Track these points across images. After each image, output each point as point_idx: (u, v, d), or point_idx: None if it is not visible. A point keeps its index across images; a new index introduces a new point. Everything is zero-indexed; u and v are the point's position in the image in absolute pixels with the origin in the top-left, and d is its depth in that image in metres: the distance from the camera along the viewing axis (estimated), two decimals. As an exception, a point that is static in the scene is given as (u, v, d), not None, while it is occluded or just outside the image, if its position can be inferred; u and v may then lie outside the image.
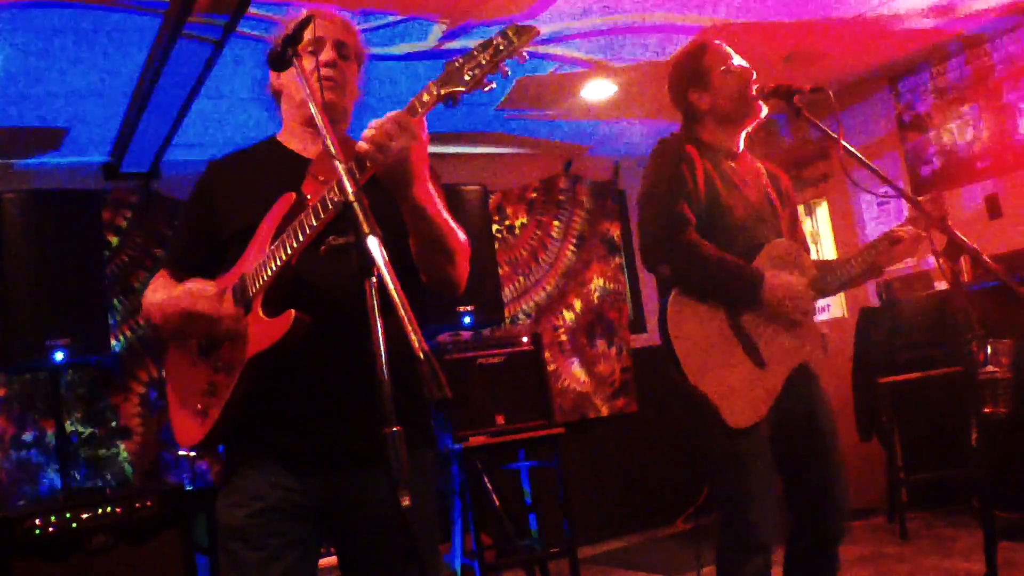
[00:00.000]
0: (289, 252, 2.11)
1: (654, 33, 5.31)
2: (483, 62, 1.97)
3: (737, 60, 3.32)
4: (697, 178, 3.15)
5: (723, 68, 3.29)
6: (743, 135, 3.35)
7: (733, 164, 3.31)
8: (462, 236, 2.33)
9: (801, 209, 3.46)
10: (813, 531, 3.20)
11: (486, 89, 2.01)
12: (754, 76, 3.27)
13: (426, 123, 2.09)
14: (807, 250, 3.38)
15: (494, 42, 1.97)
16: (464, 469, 5.41)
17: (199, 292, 2.23)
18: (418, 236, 2.24)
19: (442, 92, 2.00)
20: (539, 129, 6.83)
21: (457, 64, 1.99)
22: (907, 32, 5.83)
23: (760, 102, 3.25)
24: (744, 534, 3.07)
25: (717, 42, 3.36)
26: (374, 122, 2.05)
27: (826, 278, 3.24)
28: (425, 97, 2.03)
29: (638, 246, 3.22)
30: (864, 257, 3.28)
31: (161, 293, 2.37)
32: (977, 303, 5.09)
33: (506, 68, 1.98)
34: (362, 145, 2.04)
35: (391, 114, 2.05)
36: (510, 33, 1.97)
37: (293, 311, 2.10)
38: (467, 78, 1.97)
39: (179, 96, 4.88)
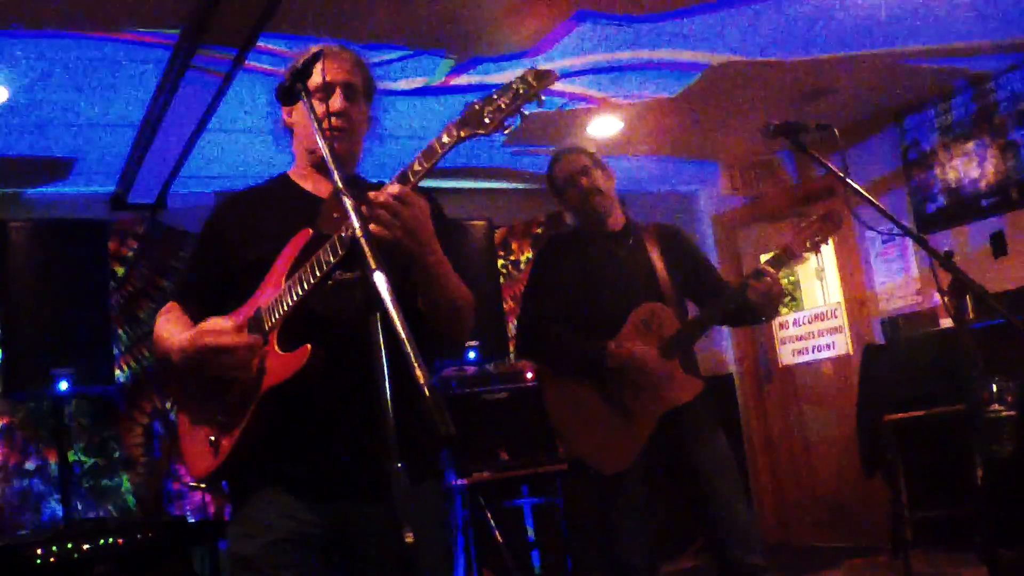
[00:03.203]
0: (307, 287, 2.13)
1: (661, 70, 5.34)
2: (503, 106, 1.99)
3: (585, 169, 3.82)
4: (566, 269, 3.72)
5: (569, 183, 3.83)
6: (617, 216, 3.84)
7: (606, 245, 3.75)
8: (468, 295, 2.38)
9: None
10: (725, 568, 3.45)
11: (505, 132, 2.04)
12: (595, 194, 3.75)
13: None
14: (674, 309, 3.68)
15: (513, 86, 2.00)
16: (467, 504, 5.39)
17: (218, 328, 2.22)
18: (426, 298, 2.28)
19: (462, 134, 2.02)
20: (545, 164, 6.84)
21: (476, 107, 2.02)
22: (912, 70, 5.85)
23: (601, 211, 3.76)
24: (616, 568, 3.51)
25: (570, 155, 3.93)
26: (375, 196, 2.06)
27: (681, 337, 3.59)
28: (445, 138, 2.04)
29: None
30: (725, 301, 3.61)
31: (176, 331, 2.36)
32: (982, 341, 5.09)
33: (525, 111, 2.00)
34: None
35: (392, 189, 2.07)
36: (529, 77, 1.99)
37: (310, 345, 2.12)
38: (487, 121, 2.00)
39: (187, 128, 4.91)
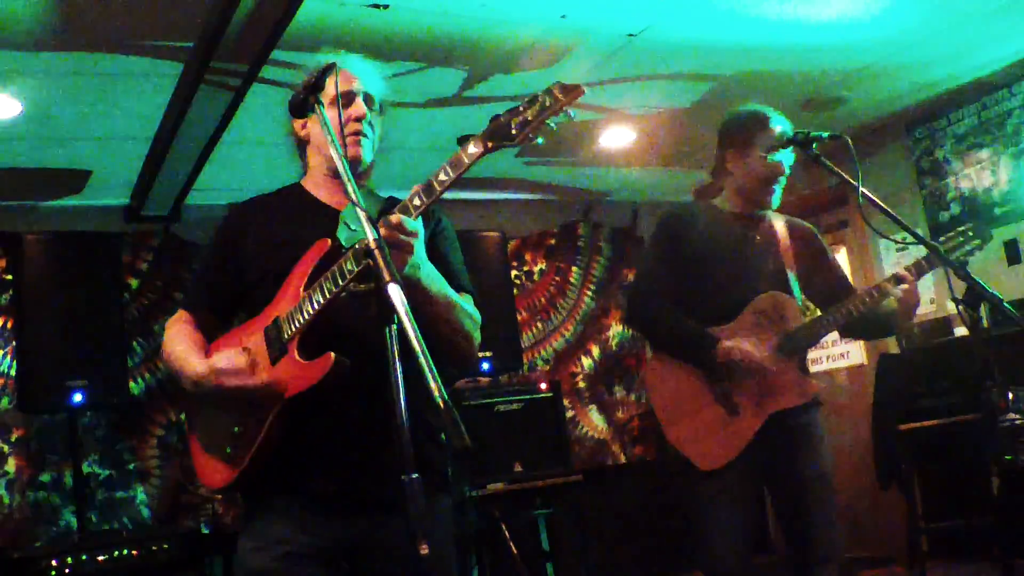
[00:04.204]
0: (327, 297, 2.13)
1: (672, 81, 5.34)
2: (529, 118, 2.01)
3: (780, 153, 3.41)
4: (692, 243, 3.45)
5: (764, 153, 3.39)
6: (765, 199, 3.49)
7: (739, 227, 3.51)
8: (473, 311, 2.37)
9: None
10: None
11: (531, 143, 2.04)
12: (786, 174, 3.43)
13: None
14: (798, 304, 3.50)
15: (540, 99, 2.01)
16: (481, 516, 5.38)
17: (234, 368, 2.23)
18: (424, 314, 2.21)
19: (489, 145, 2.04)
20: (558, 176, 6.86)
21: (502, 119, 2.03)
22: (924, 78, 5.84)
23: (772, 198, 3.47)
24: (710, 571, 3.37)
25: (777, 121, 3.44)
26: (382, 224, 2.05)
27: (801, 335, 3.43)
28: (472, 149, 2.05)
29: None
30: (858, 302, 3.36)
31: (188, 353, 2.36)
32: (997, 350, 5.07)
33: (552, 125, 2.01)
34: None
35: (397, 221, 2.06)
36: (556, 91, 2.01)
37: (332, 353, 2.10)
38: (514, 133, 2.00)
39: (200, 141, 4.92)
